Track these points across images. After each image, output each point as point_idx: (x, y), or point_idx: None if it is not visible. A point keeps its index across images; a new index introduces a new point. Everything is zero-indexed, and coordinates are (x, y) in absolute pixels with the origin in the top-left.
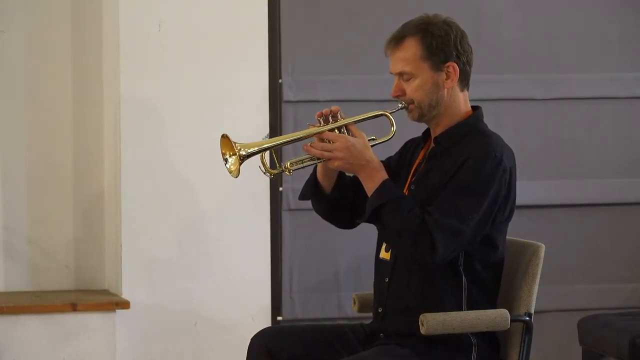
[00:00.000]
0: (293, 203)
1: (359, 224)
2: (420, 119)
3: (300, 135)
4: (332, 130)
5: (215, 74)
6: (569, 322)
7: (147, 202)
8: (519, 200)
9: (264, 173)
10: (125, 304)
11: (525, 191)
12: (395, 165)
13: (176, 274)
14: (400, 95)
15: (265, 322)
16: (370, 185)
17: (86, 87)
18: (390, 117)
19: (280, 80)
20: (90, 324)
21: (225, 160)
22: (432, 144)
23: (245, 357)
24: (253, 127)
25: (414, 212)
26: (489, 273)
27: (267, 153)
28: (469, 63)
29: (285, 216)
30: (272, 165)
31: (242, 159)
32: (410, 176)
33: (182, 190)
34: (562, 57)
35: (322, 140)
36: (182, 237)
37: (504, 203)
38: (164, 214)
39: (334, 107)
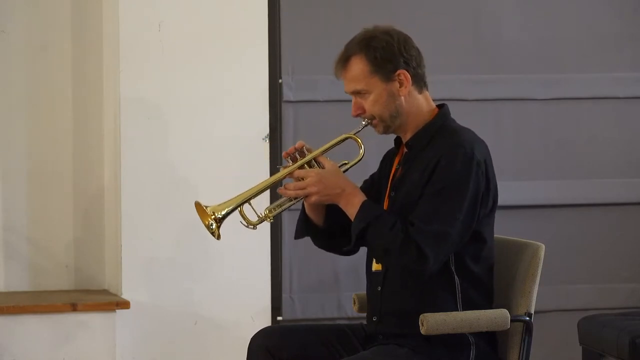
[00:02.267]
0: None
1: (355, 251)
2: (386, 130)
3: (272, 181)
4: (301, 167)
5: (215, 74)
6: (569, 322)
7: (147, 202)
8: (520, 200)
9: (247, 226)
10: (125, 304)
11: (525, 191)
12: (378, 180)
13: (176, 274)
14: (360, 113)
15: (265, 322)
16: (351, 211)
17: (86, 87)
18: (357, 138)
19: (280, 80)
20: (90, 324)
21: (210, 226)
22: (405, 150)
23: (245, 357)
24: (253, 127)
25: (396, 227)
26: (481, 269)
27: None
28: (419, 65)
29: (285, 216)
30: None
31: (219, 221)
32: (389, 185)
33: (182, 190)
34: (563, 57)
35: (295, 179)
36: (182, 237)
37: (485, 196)
38: (164, 214)
39: (298, 143)
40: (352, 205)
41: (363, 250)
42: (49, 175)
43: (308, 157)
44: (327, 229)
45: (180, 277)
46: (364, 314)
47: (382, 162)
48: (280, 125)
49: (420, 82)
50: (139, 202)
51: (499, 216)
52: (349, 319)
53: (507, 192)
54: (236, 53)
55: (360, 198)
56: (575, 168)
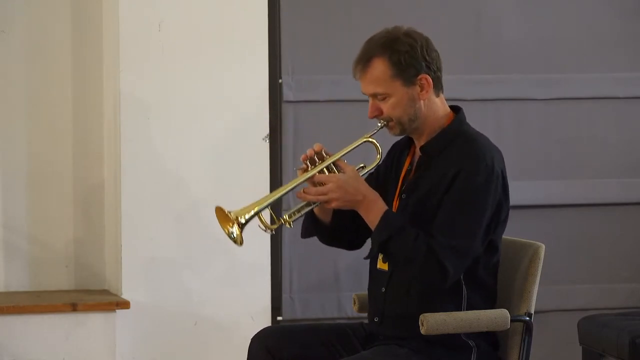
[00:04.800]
0: (293, 203)
1: (360, 246)
2: (402, 133)
3: (293, 185)
4: (321, 171)
5: (215, 74)
6: (569, 322)
7: (147, 202)
8: (520, 200)
9: (265, 230)
10: (125, 304)
11: (525, 191)
12: (384, 173)
13: (176, 274)
14: (378, 115)
15: (265, 322)
16: (371, 218)
17: (86, 87)
18: (375, 143)
19: (280, 80)
20: (90, 324)
21: (230, 234)
22: (419, 153)
23: (245, 357)
24: (253, 127)
25: (419, 240)
26: (488, 275)
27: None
28: (439, 69)
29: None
30: (272, 220)
31: (242, 226)
32: (399, 185)
33: (182, 191)
34: (562, 57)
35: (314, 183)
36: (182, 237)
37: (503, 207)
38: (164, 214)
39: (316, 146)
40: (373, 213)
41: (366, 247)
42: (49, 175)
43: (327, 161)
44: (334, 226)
45: (180, 277)
46: (364, 314)
47: (388, 155)
48: (280, 125)
49: (438, 85)
50: (139, 202)
51: None
52: (349, 319)
53: None
54: (236, 53)
55: (382, 206)
56: (575, 168)
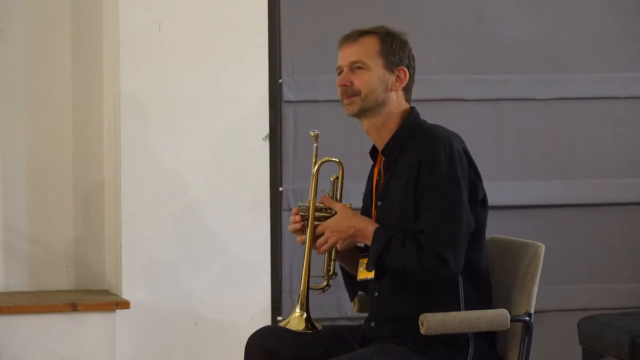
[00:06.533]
0: (293, 203)
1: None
2: (359, 113)
3: (308, 250)
4: (318, 218)
5: (215, 74)
6: (569, 322)
7: (147, 202)
8: (520, 200)
9: (323, 291)
10: (125, 304)
11: (525, 191)
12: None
13: (176, 274)
14: (348, 85)
15: (265, 322)
16: (369, 244)
17: (86, 87)
18: (330, 159)
19: (280, 80)
20: (90, 324)
21: (307, 328)
22: (382, 158)
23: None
24: (253, 127)
25: (406, 244)
26: (480, 263)
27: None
28: (412, 79)
29: (285, 216)
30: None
31: (307, 311)
32: (374, 195)
33: (182, 191)
34: (562, 57)
35: (317, 237)
36: (182, 237)
37: (478, 183)
38: (164, 214)
39: (294, 210)
40: (368, 240)
41: None
42: (49, 175)
43: (310, 214)
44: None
45: (180, 277)
46: (364, 314)
47: (368, 178)
48: (280, 125)
49: (408, 91)
50: (139, 202)
51: (499, 216)
52: (349, 319)
53: (507, 192)
54: (236, 53)
55: (371, 229)
56: (575, 168)
